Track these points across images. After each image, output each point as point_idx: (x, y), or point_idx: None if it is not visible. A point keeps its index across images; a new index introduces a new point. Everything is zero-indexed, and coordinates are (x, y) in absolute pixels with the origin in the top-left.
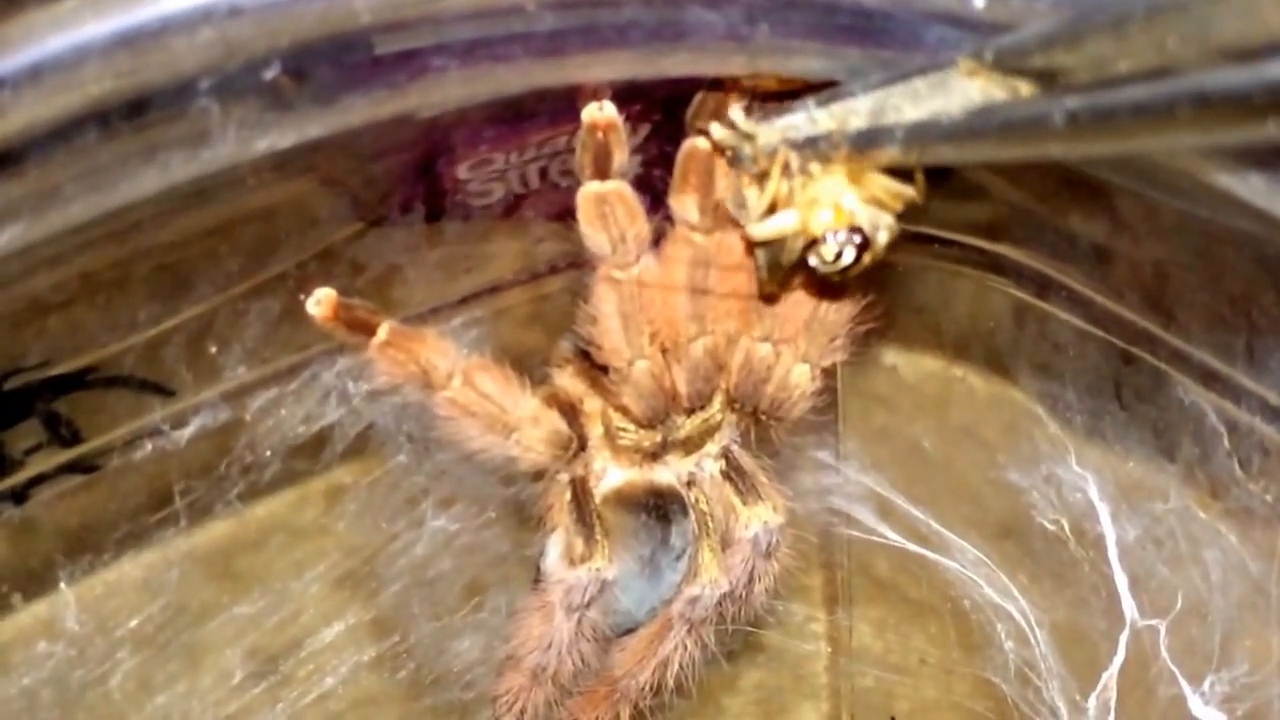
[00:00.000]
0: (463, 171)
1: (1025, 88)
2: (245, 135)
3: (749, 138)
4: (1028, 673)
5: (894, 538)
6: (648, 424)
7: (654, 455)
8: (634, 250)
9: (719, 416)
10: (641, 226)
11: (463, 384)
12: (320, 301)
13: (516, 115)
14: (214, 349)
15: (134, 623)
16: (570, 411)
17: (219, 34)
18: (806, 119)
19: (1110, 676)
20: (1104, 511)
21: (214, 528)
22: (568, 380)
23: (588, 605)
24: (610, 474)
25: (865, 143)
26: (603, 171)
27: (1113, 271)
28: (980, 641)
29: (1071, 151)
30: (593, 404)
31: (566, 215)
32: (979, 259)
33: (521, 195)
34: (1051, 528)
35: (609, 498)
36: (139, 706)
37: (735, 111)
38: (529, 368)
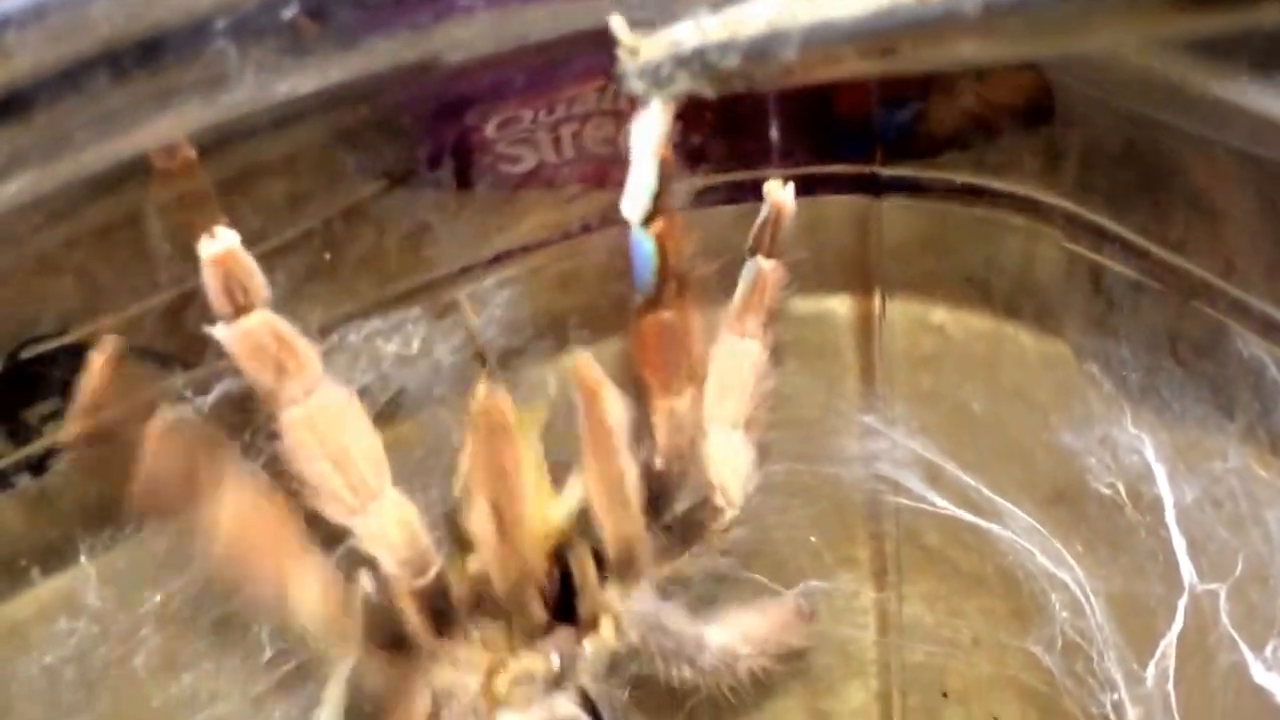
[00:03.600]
0: (490, 130)
1: None
2: (264, 79)
3: (633, 52)
4: (1083, 644)
5: (943, 505)
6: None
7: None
8: (304, 380)
9: (611, 642)
10: (302, 351)
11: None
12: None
13: (546, 64)
14: None
15: (158, 598)
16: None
17: None
18: (695, 29)
19: (1168, 644)
20: (1161, 473)
21: None
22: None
23: None
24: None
25: (759, 52)
26: (241, 308)
27: (1169, 220)
28: (1034, 613)
29: (988, 50)
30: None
31: (606, 183)
32: (1029, 211)
33: (555, 165)
34: (1107, 492)
35: None
36: (164, 685)
37: (617, 22)
38: (564, 329)
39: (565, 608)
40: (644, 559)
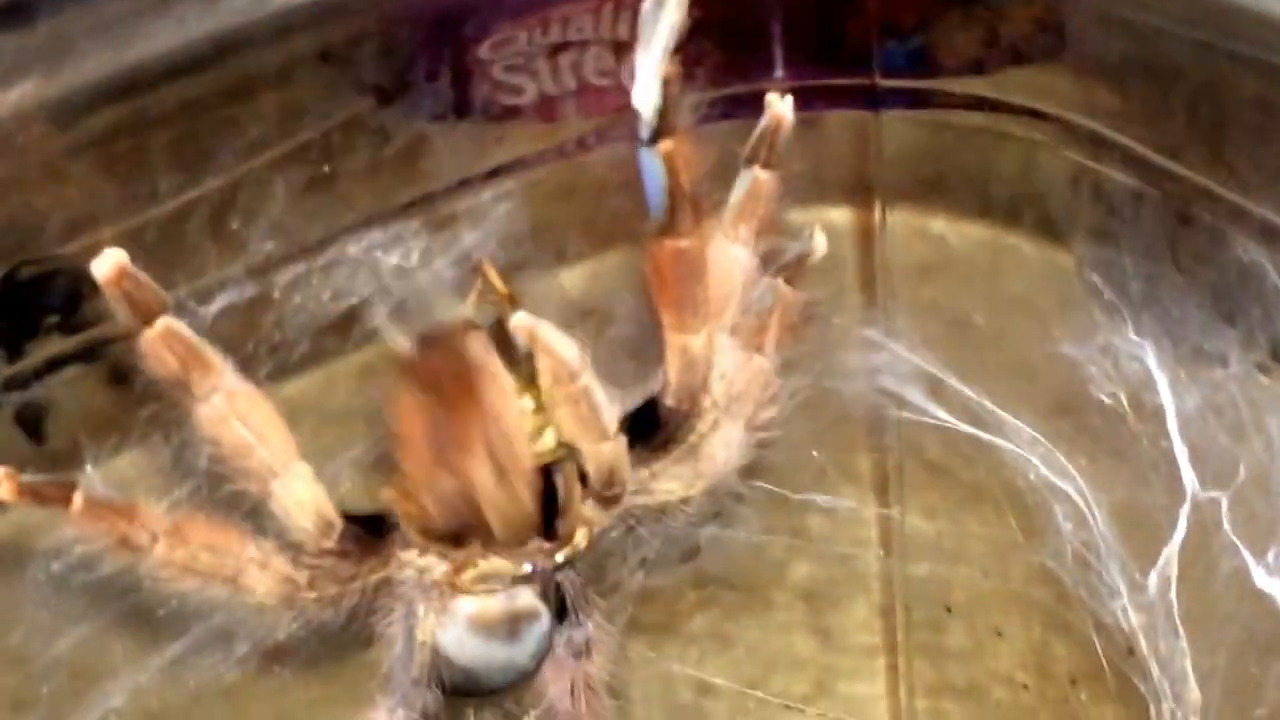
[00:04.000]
0: (485, 51)
1: None
2: None
3: None
4: (1087, 554)
5: (945, 418)
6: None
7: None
8: (211, 377)
9: (582, 544)
10: (204, 352)
11: (170, 544)
12: (4, 484)
13: None
14: (237, 223)
15: (163, 506)
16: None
17: None
18: None
19: (1171, 552)
20: (1163, 381)
21: None
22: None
23: None
24: (463, 604)
25: None
26: (145, 318)
27: (1169, 127)
28: (1038, 525)
29: None
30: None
31: (605, 110)
32: (1029, 121)
33: (554, 97)
34: (1109, 401)
35: (460, 624)
36: (170, 594)
37: None
38: (564, 243)
39: (545, 522)
40: (626, 483)
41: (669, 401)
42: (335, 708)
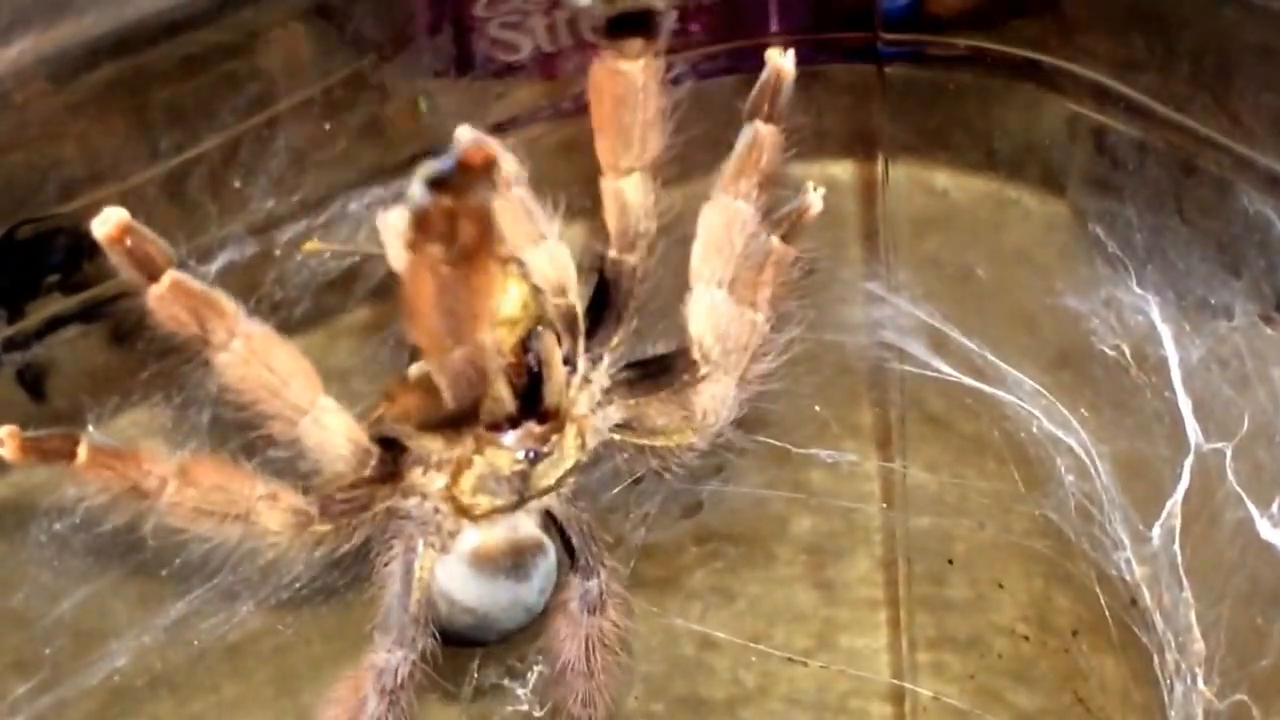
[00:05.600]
0: (480, 8)
1: None
2: None
3: None
4: (1089, 507)
5: (948, 372)
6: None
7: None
8: (225, 325)
9: (573, 452)
10: (216, 300)
11: (180, 485)
12: (4, 442)
13: None
14: (238, 181)
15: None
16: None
17: None
18: None
19: (1174, 504)
20: (1166, 333)
21: None
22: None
23: (401, 687)
24: (466, 536)
25: None
26: (151, 275)
27: (1173, 78)
28: (1040, 477)
29: None
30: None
31: None
32: (1032, 73)
33: (552, 54)
34: (1111, 354)
35: (465, 559)
36: (173, 554)
37: None
38: (563, 199)
39: (532, 400)
40: (574, 287)
41: (612, 254)
42: (338, 666)
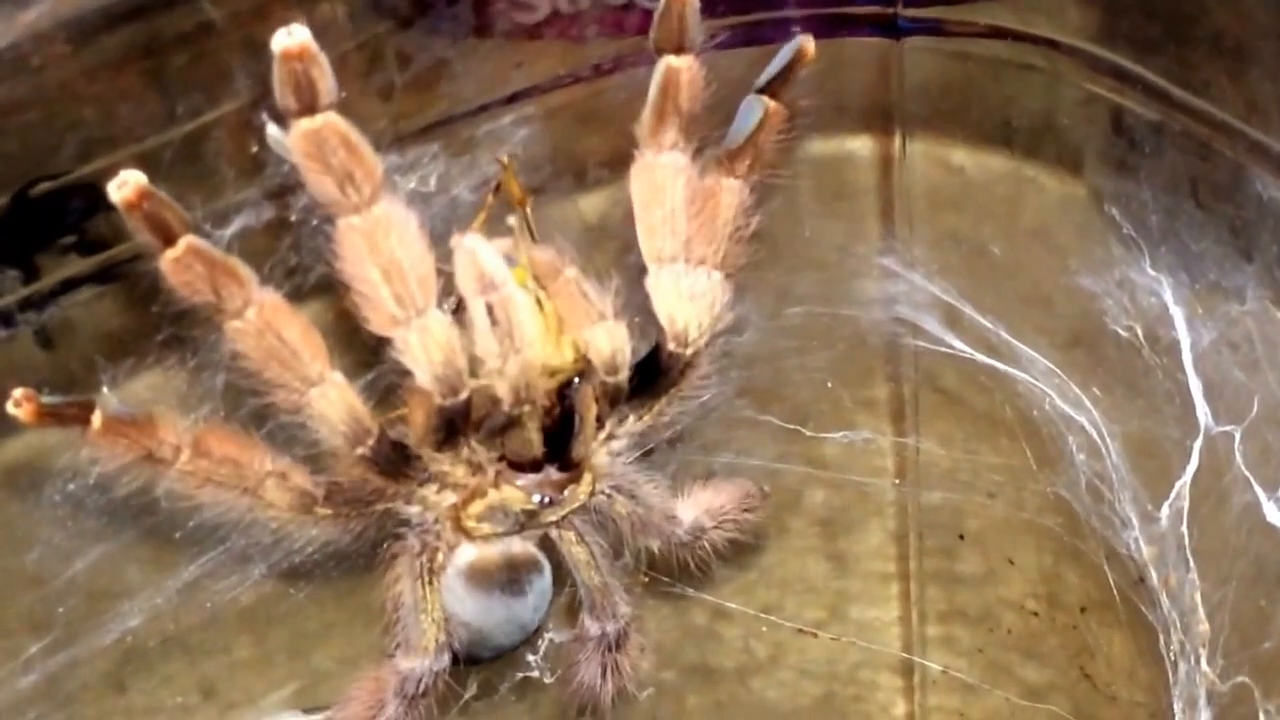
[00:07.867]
0: None
1: None
2: None
3: None
4: (1099, 485)
5: (962, 348)
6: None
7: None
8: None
9: (582, 498)
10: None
11: (193, 455)
12: (21, 404)
13: None
14: (255, 145)
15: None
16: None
17: None
18: None
19: (1183, 485)
20: (1179, 315)
21: None
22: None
23: (423, 694)
24: (462, 551)
25: None
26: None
27: (1191, 62)
28: (1051, 455)
29: None
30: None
31: (624, 32)
32: (1051, 53)
33: (570, 16)
34: (1124, 334)
35: (461, 573)
36: (186, 516)
37: None
38: (584, 169)
39: (558, 448)
40: (628, 367)
41: (669, 346)
42: (350, 629)
